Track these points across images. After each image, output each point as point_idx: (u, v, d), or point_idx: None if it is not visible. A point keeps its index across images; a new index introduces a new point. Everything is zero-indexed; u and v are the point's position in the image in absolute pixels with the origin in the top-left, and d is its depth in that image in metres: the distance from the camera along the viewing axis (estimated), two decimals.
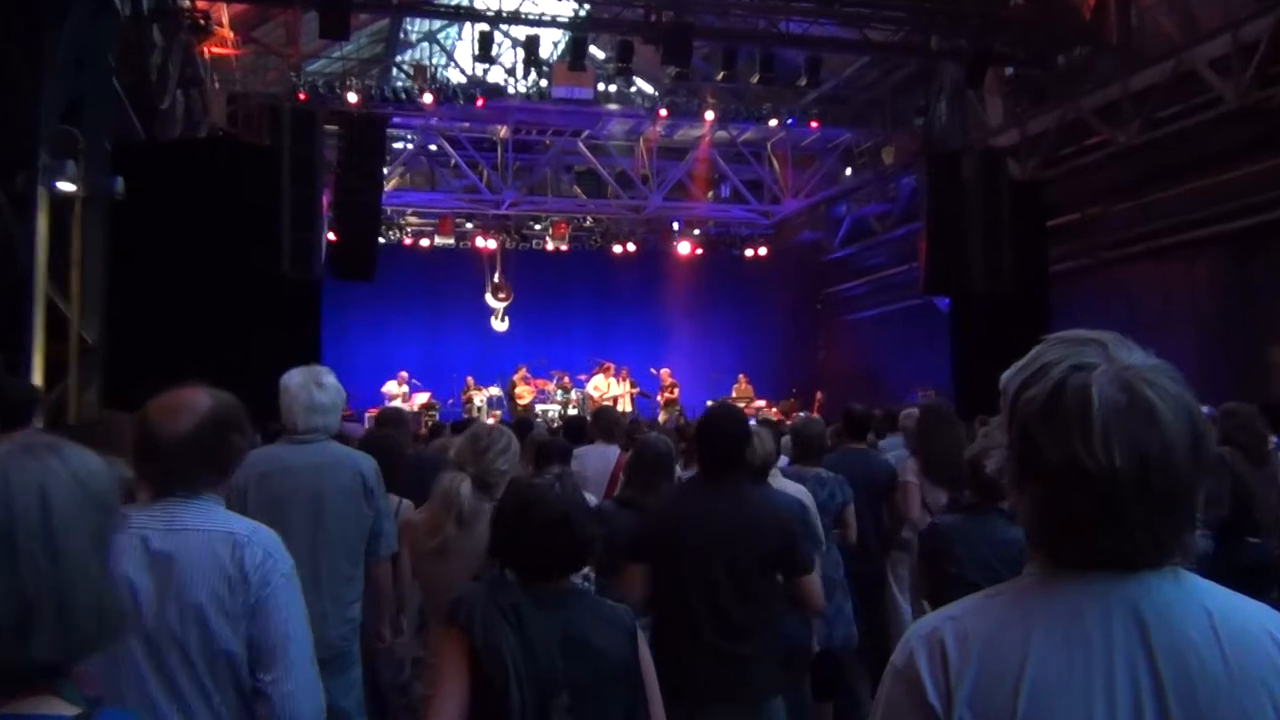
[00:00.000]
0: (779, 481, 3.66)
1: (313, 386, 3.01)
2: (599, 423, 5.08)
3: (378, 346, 16.49)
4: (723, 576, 2.51)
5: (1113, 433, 0.97)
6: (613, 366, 15.78)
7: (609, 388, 15.38)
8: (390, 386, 14.72)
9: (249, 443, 1.90)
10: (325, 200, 9.32)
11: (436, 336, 17.44)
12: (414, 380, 15.07)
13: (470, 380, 15.72)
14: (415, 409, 14.11)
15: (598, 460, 4.71)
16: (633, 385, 15.62)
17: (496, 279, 17.71)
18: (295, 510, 2.85)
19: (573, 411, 14.46)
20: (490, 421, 4.03)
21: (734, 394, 16.38)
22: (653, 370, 16.35)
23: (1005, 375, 1.09)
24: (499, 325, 17.57)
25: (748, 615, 2.50)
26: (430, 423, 11.61)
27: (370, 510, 3.05)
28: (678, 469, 3.54)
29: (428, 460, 4.24)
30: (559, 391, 15.44)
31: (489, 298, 17.64)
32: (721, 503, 2.60)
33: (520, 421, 7.41)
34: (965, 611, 1.05)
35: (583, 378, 15.95)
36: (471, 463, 2.62)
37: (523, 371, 15.71)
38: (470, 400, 15.27)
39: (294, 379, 2.96)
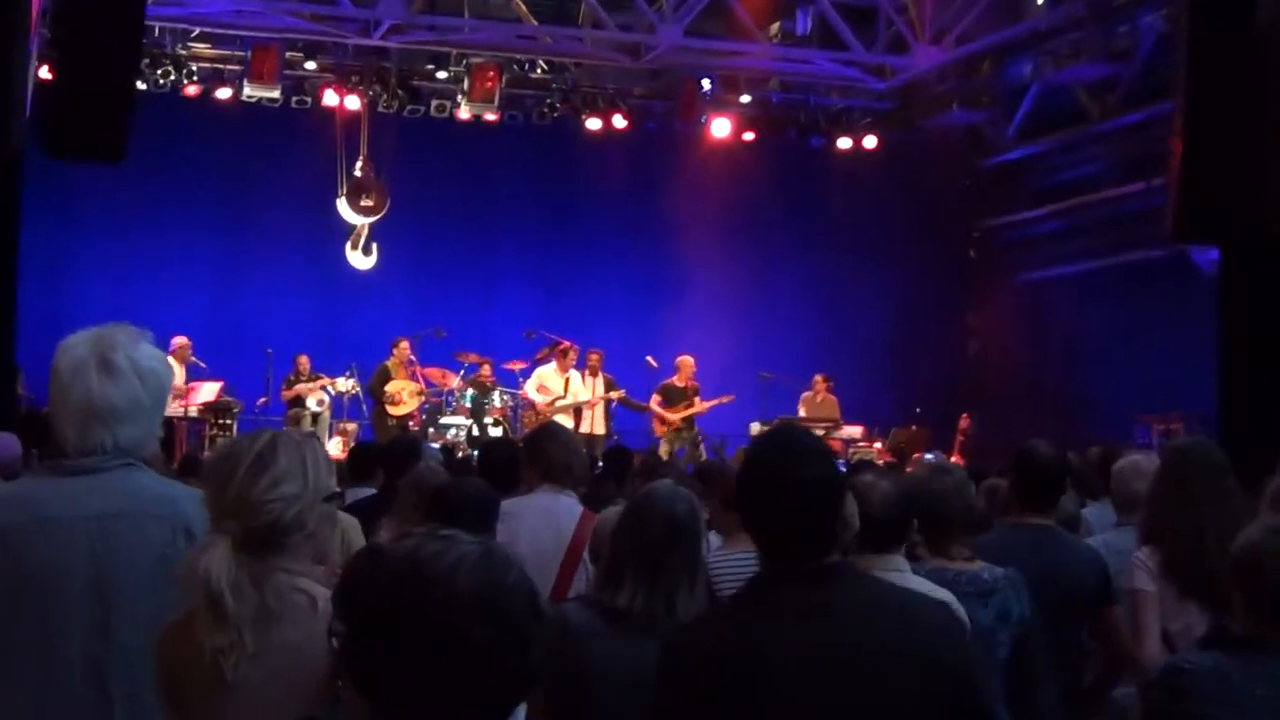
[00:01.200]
0: (904, 584, 3.64)
1: (94, 369, 2.92)
2: (541, 452, 5.32)
3: (129, 290, 16.44)
4: None
5: None
6: (572, 349, 15.80)
7: (565, 388, 15.68)
8: None
9: None
10: (33, 5, 8.72)
11: (241, 277, 17.75)
12: (197, 360, 15.43)
13: (303, 363, 16.04)
14: (193, 410, 14.99)
15: (539, 523, 5.04)
16: (610, 386, 15.99)
17: (358, 170, 16.76)
18: (56, 605, 2.80)
19: (495, 431, 15.40)
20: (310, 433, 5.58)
21: (803, 410, 16.72)
22: (649, 360, 16.55)
23: None
24: (360, 260, 16.96)
25: None
26: (214, 438, 12.58)
27: None
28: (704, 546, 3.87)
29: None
30: (469, 392, 15.89)
31: (343, 206, 16.82)
32: (818, 622, 2.63)
33: (396, 446, 7.26)
34: None
35: (515, 367, 16.39)
36: (227, 508, 2.60)
37: (402, 350, 15.80)
38: (298, 400, 15.79)
39: (66, 355, 2.90)
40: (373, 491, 6.56)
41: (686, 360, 16.16)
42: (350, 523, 5.33)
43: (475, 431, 15.52)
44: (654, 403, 15.94)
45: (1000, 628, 4.18)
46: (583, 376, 15.84)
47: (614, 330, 17.92)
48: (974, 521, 4.73)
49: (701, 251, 18.89)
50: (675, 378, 16.05)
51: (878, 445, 16.26)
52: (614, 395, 15.85)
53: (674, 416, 15.74)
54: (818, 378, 16.94)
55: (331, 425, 16.31)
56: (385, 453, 7.11)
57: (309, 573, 2.63)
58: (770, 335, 18.93)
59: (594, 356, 15.97)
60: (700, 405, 15.90)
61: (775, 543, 2.71)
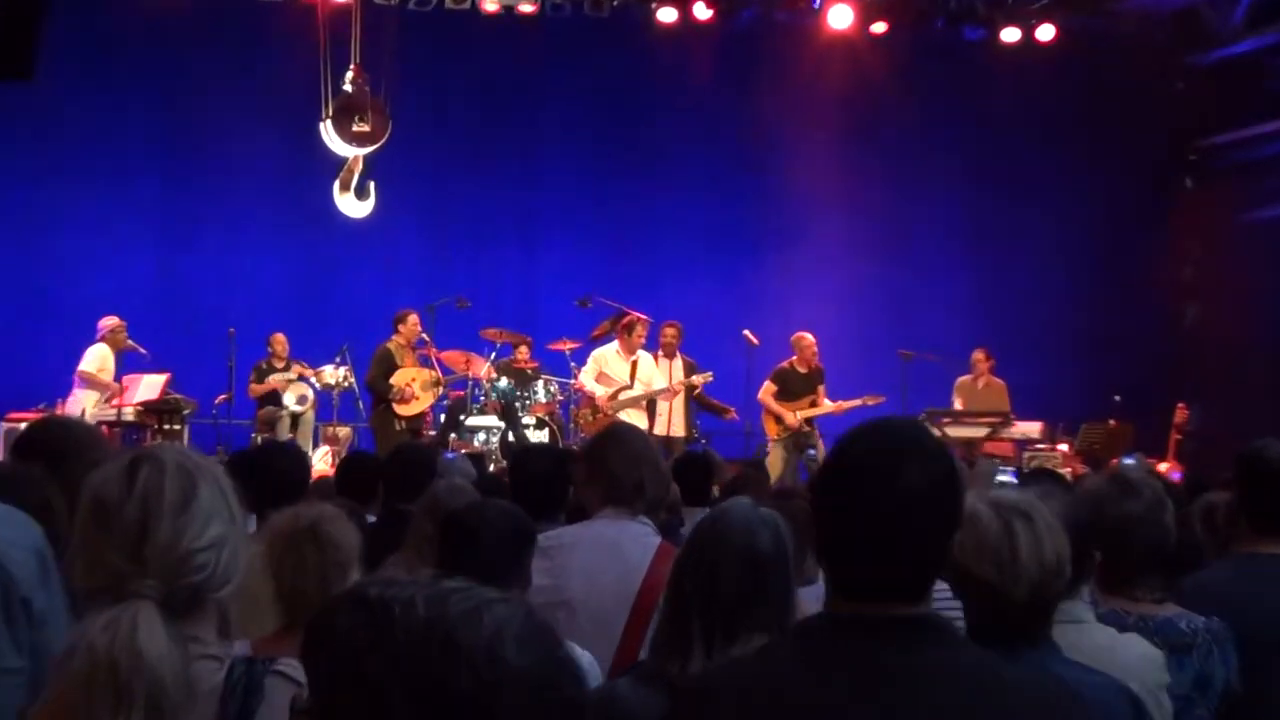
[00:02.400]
0: (1086, 638, 3.82)
1: None
2: (603, 464, 5.35)
3: (40, 252, 17.43)
4: None
5: None
6: (641, 322, 16.06)
7: (631, 374, 15.92)
8: (94, 357, 15.77)
9: None
10: None
11: (193, 231, 18.37)
12: (135, 344, 15.90)
13: (278, 346, 16.68)
14: (129, 412, 15.35)
15: (598, 561, 5.12)
16: (691, 371, 16.20)
17: (349, 83, 16.70)
18: None
19: (538, 435, 15.94)
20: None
21: (958, 401, 17.16)
22: (747, 335, 16.90)
23: None
24: (353, 206, 17.05)
25: None
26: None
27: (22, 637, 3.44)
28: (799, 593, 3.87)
29: None
30: (502, 382, 16.31)
31: (329, 132, 16.81)
32: (885, 697, 2.55)
33: (404, 457, 7.51)
34: None
35: (565, 347, 16.75)
36: (150, 565, 2.66)
37: (411, 327, 16.12)
38: (271, 396, 16.39)
39: None
40: (373, 518, 6.65)
41: (806, 339, 16.40)
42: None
43: (511, 436, 15.80)
44: (767, 394, 16.19)
45: (1198, 698, 4.24)
46: (655, 359, 16.02)
47: (696, 295, 18.02)
48: (1171, 554, 4.66)
49: (814, 187, 19.01)
50: (795, 360, 16.32)
51: (1063, 447, 16.29)
52: (697, 381, 16.00)
53: (794, 415, 15.99)
54: (978, 354, 17.06)
55: (317, 430, 16.43)
56: (390, 466, 7.26)
57: (210, 637, 2.76)
58: (909, 298, 19.06)
59: (670, 331, 16.08)
60: (834, 404, 16.12)
61: (844, 572, 2.72)
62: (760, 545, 3.57)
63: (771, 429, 16.05)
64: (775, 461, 15.56)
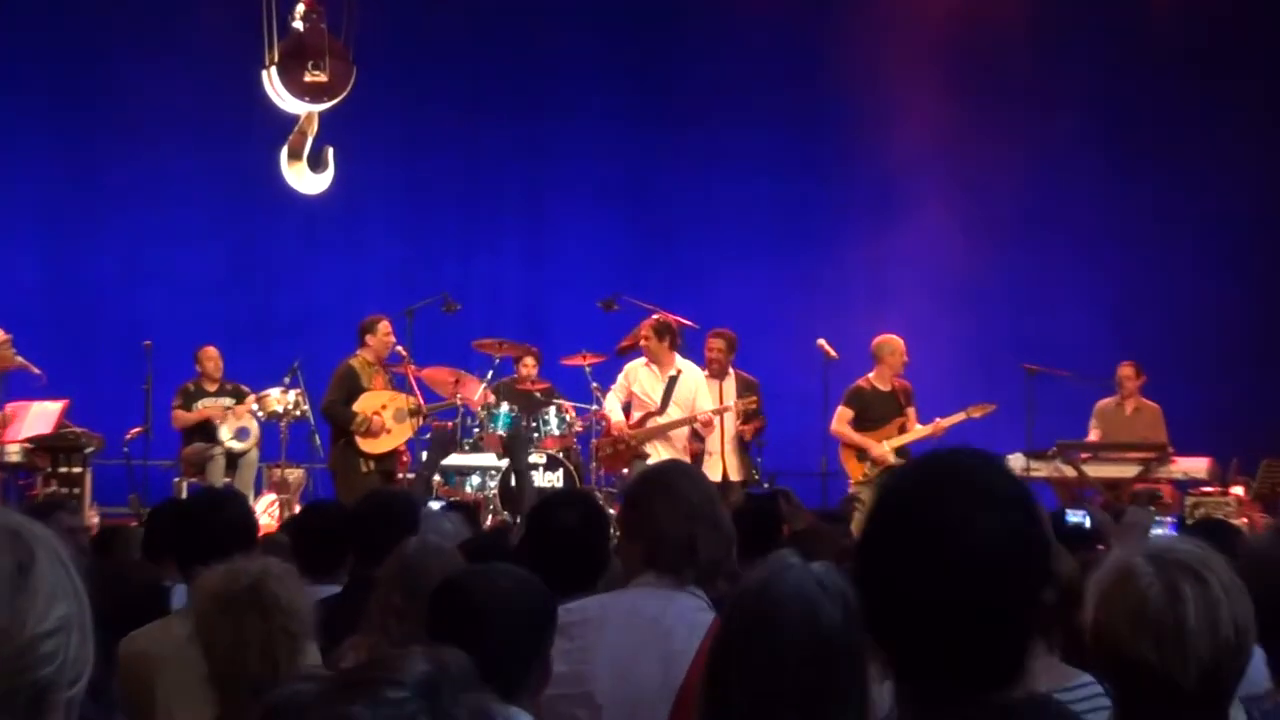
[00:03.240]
0: None
1: None
2: (644, 516, 5.47)
3: None
4: None
5: None
6: (670, 325, 16.27)
7: (666, 394, 16.12)
8: None
9: None
10: None
11: (96, 215, 18.73)
12: (24, 361, 16.01)
13: (208, 363, 16.85)
14: (14, 451, 15.61)
15: (633, 641, 5.23)
16: (746, 390, 16.41)
17: (299, 19, 17.00)
18: None
19: (549, 476, 16.44)
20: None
21: (1095, 431, 17.24)
22: (822, 346, 17.21)
23: None
24: (306, 179, 17.24)
25: None
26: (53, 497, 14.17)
27: None
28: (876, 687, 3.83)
29: None
30: (503, 409, 16.66)
31: (274, 83, 16.88)
32: None
33: (372, 508, 7.66)
34: None
35: (584, 362, 17.05)
36: None
37: (382, 337, 16.28)
38: (202, 429, 16.52)
39: None
40: (335, 590, 6.77)
41: (893, 343, 16.24)
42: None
43: (514, 480, 15.77)
44: (841, 422, 15.98)
45: None
46: (709, 378, 15.97)
47: (755, 295, 18.14)
48: None
49: (911, 155, 19.16)
50: (873, 375, 16.04)
51: (1237, 490, 16.18)
52: (737, 406, 15.98)
53: (881, 446, 15.76)
54: (1126, 370, 16.94)
55: (261, 474, 16.40)
56: (355, 522, 7.29)
57: None
58: (1036, 298, 19.18)
59: (717, 344, 16.10)
60: (930, 426, 15.94)
61: (910, 660, 2.77)
62: (826, 622, 3.58)
63: (854, 468, 15.86)
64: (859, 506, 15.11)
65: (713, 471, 15.10)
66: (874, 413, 15.83)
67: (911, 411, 16.05)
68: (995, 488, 2.75)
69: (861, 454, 15.80)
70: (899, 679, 2.77)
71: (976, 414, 15.94)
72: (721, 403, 15.83)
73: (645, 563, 5.37)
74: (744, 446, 16.15)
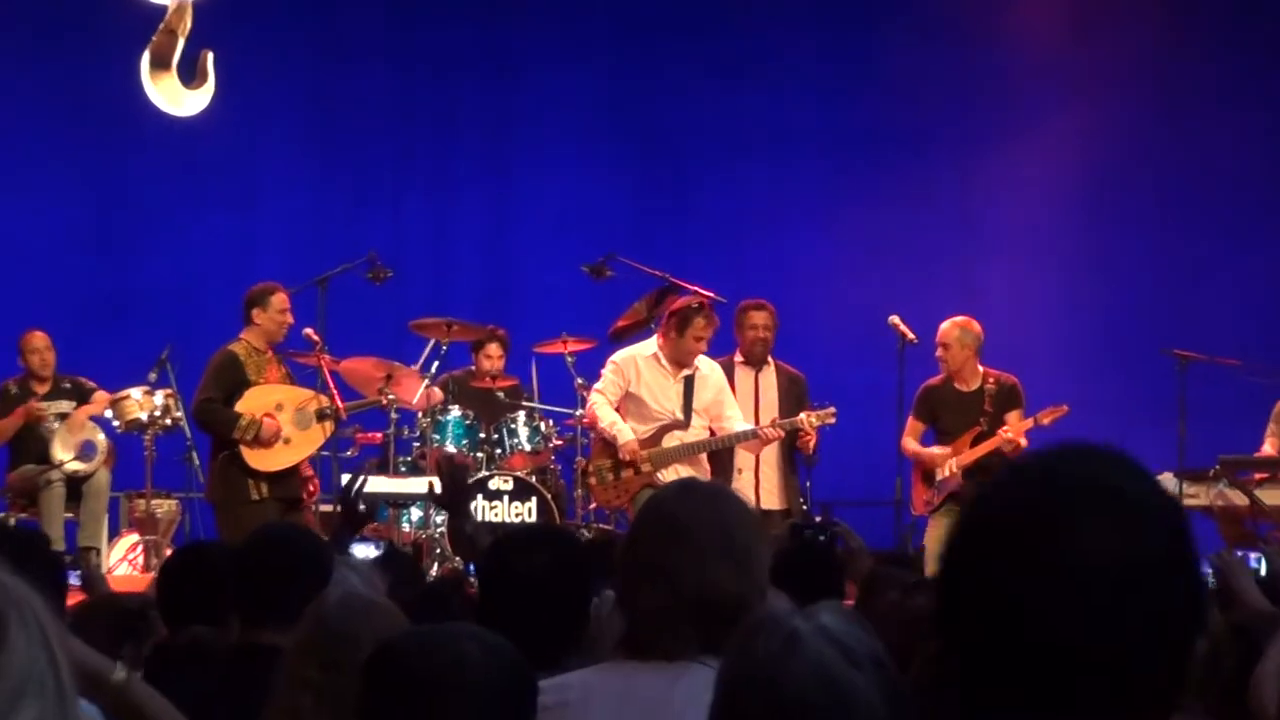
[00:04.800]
0: None
1: None
2: (645, 561, 5.51)
3: None
4: None
5: None
6: (703, 310, 16.33)
7: (686, 398, 16.40)
8: None
9: None
10: None
11: None
12: None
13: (36, 350, 17.02)
14: None
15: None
16: (793, 393, 16.86)
17: None
18: None
19: (515, 511, 16.79)
20: None
21: (1272, 441, 17.29)
22: (897, 325, 17.44)
23: None
24: (176, 95, 17.48)
25: None
26: None
27: None
28: None
29: None
30: (453, 415, 17.15)
31: None
32: None
33: (269, 553, 7.54)
34: None
35: (564, 349, 17.46)
36: None
37: (272, 312, 16.28)
38: (33, 445, 16.52)
39: None
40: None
41: (960, 329, 16.23)
42: None
43: (450, 516, 15.27)
44: (909, 437, 16.19)
45: None
46: (731, 367, 16.32)
47: (803, 259, 18.29)
48: None
49: (1012, 80, 19.47)
50: (950, 367, 16.20)
51: None
52: (813, 421, 16.06)
53: (951, 466, 15.88)
54: None
55: (116, 506, 16.33)
56: (239, 568, 7.26)
57: None
58: (1187, 270, 19.34)
59: (762, 317, 16.29)
60: (1001, 435, 15.95)
61: (1017, 687, 2.83)
62: (863, 707, 3.54)
63: (916, 495, 16.21)
64: (933, 549, 15.49)
65: (750, 490, 15.27)
66: (947, 421, 16.09)
67: (1013, 417, 16.13)
68: (1124, 488, 2.80)
69: (927, 475, 16.05)
70: (977, 700, 2.83)
71: (1046, 419, 16.15)
72: (760, 409, 15.84)
73: (644, 625, 5.35)
74: (791, 464, 16.04)
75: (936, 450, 16.09)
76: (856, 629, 3.64)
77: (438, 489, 15.73)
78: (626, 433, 15.76)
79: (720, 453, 15.89)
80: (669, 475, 14.92)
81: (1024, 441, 16.16)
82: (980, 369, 16.24)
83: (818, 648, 3.54)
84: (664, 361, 15.90)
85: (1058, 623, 2.73)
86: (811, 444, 16.25)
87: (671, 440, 15.74)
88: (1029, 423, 16.26)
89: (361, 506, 15.19)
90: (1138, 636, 2.75)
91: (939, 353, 16.52)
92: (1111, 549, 2.73)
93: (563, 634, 5.89)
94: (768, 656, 3.55)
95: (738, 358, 16.26)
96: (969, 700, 2.85)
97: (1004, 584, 2.77)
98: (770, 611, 3.87)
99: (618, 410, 15.95)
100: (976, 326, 16.37)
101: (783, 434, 15.83)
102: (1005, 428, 16.27)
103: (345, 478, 15.34)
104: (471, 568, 14.10)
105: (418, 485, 15.99)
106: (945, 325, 16.56)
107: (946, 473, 15.93)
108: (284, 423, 15.51)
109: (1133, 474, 2.84)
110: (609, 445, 15.73)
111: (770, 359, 16.16)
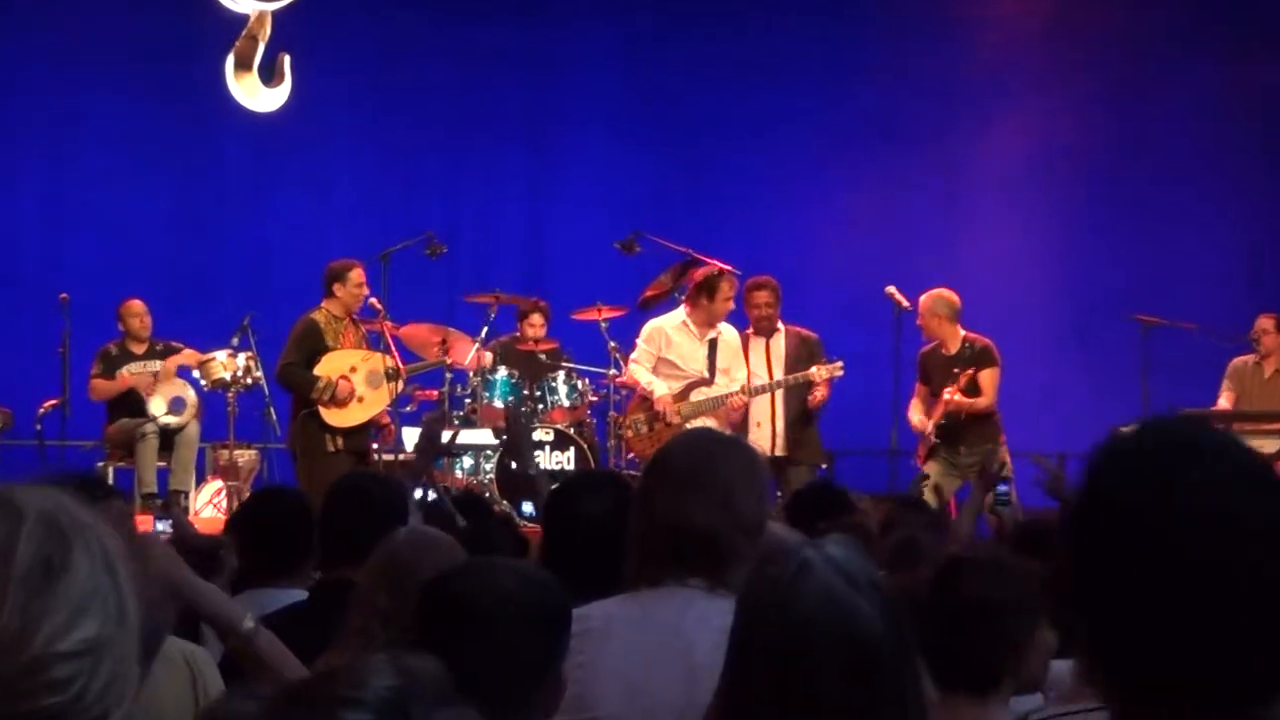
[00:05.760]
0: None
1: None
2: (660, 499, 5.46)
3: None
4: None
5: None
6: (726, 277, 16.48)
7: (711, 360, 16.43)
8: None
9: None
10: None
11: (11, 148, 18.95)
12: None
13: (135, 318, 16.89)
14: None
15: (649, 660, 5.27)
16: (805, 354, 16.67)
17: None
18: None
19: (556, 459, 16.83)
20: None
21: (1227, 395, 17.61)
22: (893, 294, 17.42)
23: None
24: (256, 93, 17.56)
25: None
26: None
27: None
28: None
29: None
30: (500, 375, 17.05)
31: None
32: None
33: (344, 496, 7.74)
34: None
35: (599, 316, 17.46)
36: None
37: (352, 287, 16.32)
38: (127, 401, 16.66)
39: None
40: (301, 596, 6.87)
41: (934, 300, 16.29)
42: (199, 659, 5.46)
43: (515, 463, 15.59)
44: (919, 400, 16.22)
45: None
46: (746, 338, 16.29)
47: (803, 233, 18.33)
48: None
49: (997, 54, 19.19)
50: (927, 333, 16.20)
51: None
52: (820, 374, 16.05)
53: (923, 419, 16.03)
54: (1265, 323, 16.78)
55: (203, 455, 16.50)
56: (323, 514, 7.35)
57: None
58: (1152, 237, 19.20)
59: (764, 296, 16.23)
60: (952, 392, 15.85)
61: (1158, 676, 2.70)
62: (866, 631, 3.61)
63: (920, 451, 16.23)
64: (934, 493, 15.54)
65: (764, 444, 15.41)
66: (935, 382, 16.04)
67: (985, 375, 16.04)
68: (1264, 469, 2.72)
69: (922, 435, 16.08)
70: (1123, 702, 2.73)
71: (838, 372, 16.05)
72: (771, 373, 16.01)
73: (671, 563, 5.32)
74: (807, 417, 16.20)
75: (919, 418, 16.03)
76: (859, 557, 3.69)
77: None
78: (661, 388, 15.79)
79: (739, 407, 15.80)
80: (697, 426, 14.59)
81: (965, 400, 15.86)
82: (961, 333, 16.14)
83: (825, 573, 3.59)
84: (691, 327, 15.92)
85: (1217, 586, 2.62)
86: (819, 396, 16.17)
87: (699, 395, 15.76)
88: (956, 387, 15.87)
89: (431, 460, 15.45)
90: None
91: (918, 320, 16.42)
92: (1261, 510, 2.64)
93: (619, 567, 5.60)
94: (781, 581, 3.60)
95: (749, 331, 16.24)
96: (1111, 687, 2.73)
97: (1130, 545, 2.67)
98: (783, 543, 4.07)
99: (653, 373, 16.01)
100: (949, 295, 16.25)
101: (746, 401, 15.85)
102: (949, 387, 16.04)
103: (406, 432, 16.11)
104: (524, 508, 14.58)
105: (472, 437, 16.18)
106: (923, 296, 16.43)
107: (926, 431, 15.92)
108: (357, 383, 15.68)
109: (1245, 451, 2.77)
110: (644, 401, 15.91)
111: (781, 325, 16.20)
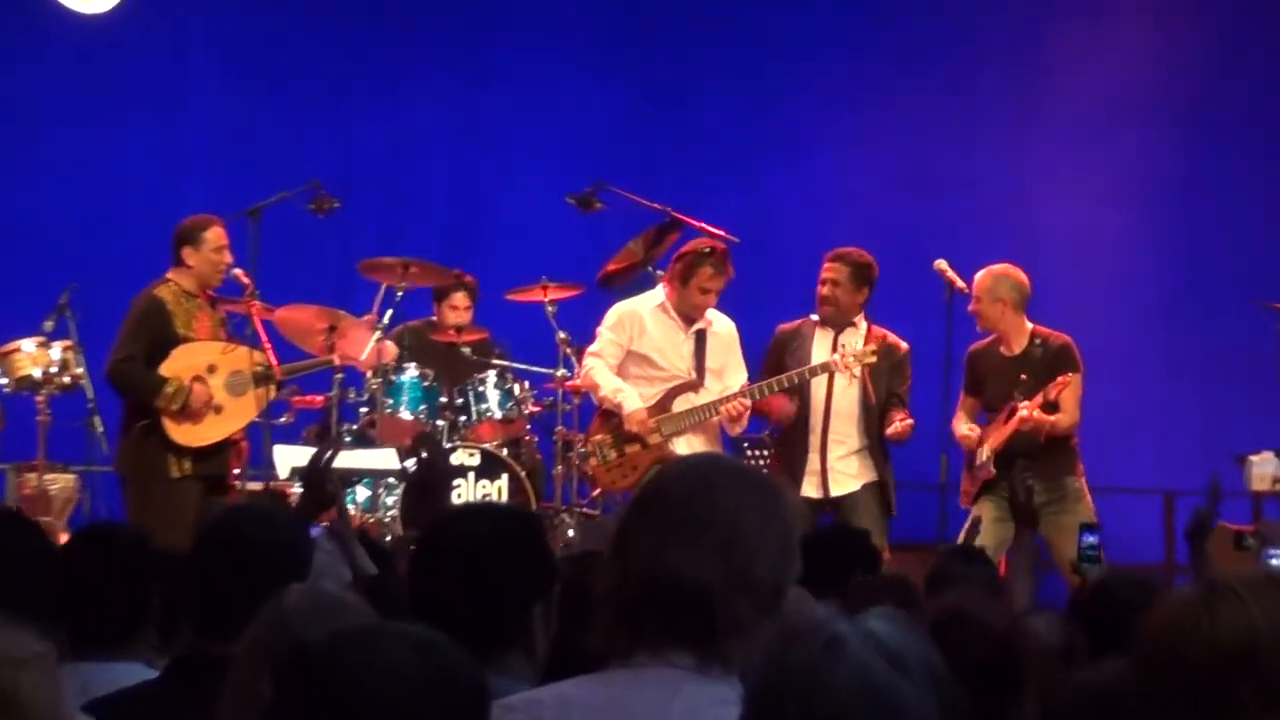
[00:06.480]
0: None
1: None
2: (638, 550, 5.56)
3: None
4: None
5: None
6: (715, 246, 16.73)
7: (699, 357, 16.71)
8: None
9: None
10: None
11: None
12: None
13: None
14: None
15: None
16: (886, 362, 16.83)
17: None
18: None
19: (482, 489, 16.93)
20: None
21: None
22: (943, 269, 17.58)
23: None
24: None
25: None
26: None
27: None
28: None
29: None
30: (408, 375, 17.46)
31: None
32: None
33: (206, 538, 7.86)
34: None
35: (544, 297, 17.82)
36: None
37: (206, 250, 16.17)
38: None
39: None
40: (142, 673, 6.80)
41: (994, 279, 16.06)
42: None
43: (424, 500, 15.46)
44: (965, 413, 16.07)
45: None
46: (811, 326, 16.39)
47: (818, 190, 18.41)
48: None
49: None
50: (983, 324, 16.07)
51: None
52: (845, 361, 15.97)
53: (987, 449, 15.73)
54: None
55: (4, 481, 16.34)
56: (187, 567, 7.25)
57: None
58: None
59: (828, 271, 16.25)
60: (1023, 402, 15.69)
61: None
62: (888, 698, 3.62)
63: (964, 484, 16.06)
64: (991, 538, 15.39)
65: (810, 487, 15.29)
66: (990, 393, 15.96)
67: (1067, 381, 15.77)
68: None
69: (971, 462, 15.93)
70: None
71: (1053, 395, 15.67)
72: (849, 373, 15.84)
73: (637, 632, 5.23)
74: (883, 448, 15.96)
75: (970, 430, 15.84)
76: (908, 636, 3.65)
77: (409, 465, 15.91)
78: (633, 399, 15.79)
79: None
80: (683, 448, 14.82)
81: (1046, 417, 15.75)
82: (1028, 327, 15.98)
83: (863, 652, 3.55)
84: (673, 313, 15.96)
85: None
86: (901, 425, 15.88)
87: (683, 404, 15.74)
88: (1039, 398, 15.67)
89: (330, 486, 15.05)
90: None
91: (970, 306, 16.36)
92: None
93: (514, 626, 5.90)
94: (805, 665, 3.56)
95: (814, 316, 16.19)
96: None
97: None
98: (807, 616, 3.81)
99: (619, 375, 15.71)
100: (1018, 275, 16.19)
101: (746, 408, 15.70)
102: (1022, 401, 15.79)
103: (279, 451, 15.46)
104: None
105: (368, 459, 15.85)
106: (979, 274, 16.45)
107: (981, 459, 15.73)
108: (216, 389, 15.28)
109: None
110: (610, 416, 15.60)
111: (862, 319, 15.95)
